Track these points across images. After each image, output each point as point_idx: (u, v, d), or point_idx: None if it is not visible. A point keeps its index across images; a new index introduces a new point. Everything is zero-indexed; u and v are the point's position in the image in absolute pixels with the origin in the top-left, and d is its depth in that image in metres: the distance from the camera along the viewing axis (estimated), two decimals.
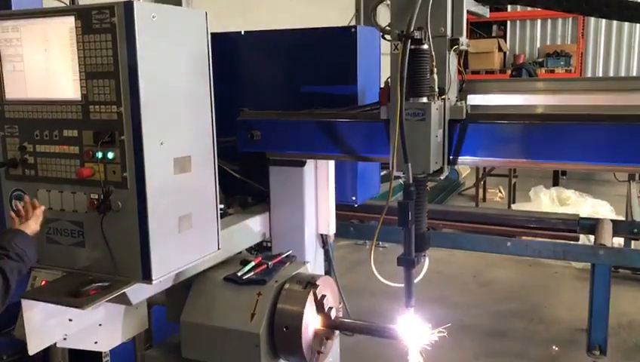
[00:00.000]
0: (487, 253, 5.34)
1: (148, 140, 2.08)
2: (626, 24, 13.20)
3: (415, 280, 2.41)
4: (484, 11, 2.85)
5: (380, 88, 2.51)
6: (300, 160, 2.97)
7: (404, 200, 2.27)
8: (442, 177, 2.54)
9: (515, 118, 2.49)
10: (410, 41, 2.23)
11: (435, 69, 2.36)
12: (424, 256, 2.45)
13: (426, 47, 2.29)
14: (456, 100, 2.57)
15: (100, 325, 2.58)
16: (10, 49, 2.25)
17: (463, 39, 2.50)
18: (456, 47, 2.47)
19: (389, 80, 2.39)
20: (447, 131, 2.48)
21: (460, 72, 2.61)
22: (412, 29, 2.22)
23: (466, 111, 2.50)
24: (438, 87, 2.38)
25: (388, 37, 2.42)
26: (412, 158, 2.25)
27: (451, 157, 2.53)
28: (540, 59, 14.22)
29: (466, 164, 2.58)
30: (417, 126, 2.33)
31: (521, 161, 2.59)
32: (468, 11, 2.59)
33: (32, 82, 2.25)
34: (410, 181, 2.27)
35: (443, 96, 2.43)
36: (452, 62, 2.50)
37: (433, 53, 2.34)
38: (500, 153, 2.53)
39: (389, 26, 2.44)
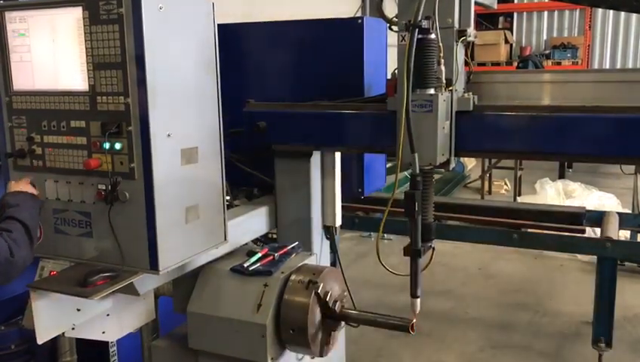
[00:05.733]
0: (493, 245, 5.33)
1: (155, 131, 2.08)
2: (634, 15, 13.11)
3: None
4: (492, 2, 2.84)
5: (387, 80, 2.50)
6: (305, 151, 2.97)
7: (410, 190, 2.27)
8: (450, 169, 2.53)
9: (522, 110, 2.48)
10: (417, 30, 2.22)
11: (443, 60, 2.35)
12: (430, 246, 2.45)
13: (433, 36, 2.27)
14: (464, 92, 2.56)
15: (108, 315, 2.60)
16: (17, 40, 2.25)
17: (471, 30, 2.49)
18: (463, 38, 2.46)
19: (396, 71, 2.38)
20: (454, 123, 2.47)
21: (467, 64, 2.60)
22: (419, 18, 2.20)
23: (473, 103, 2.49)
24: (446, 79, 2.38)
25: (395, 28, 2.42)
26: (418, 150, 2.24)
27: (458, 149, 2.52)
28: (547, 51, 14.15)
29: (473, 155, 2.57)
30: (424, 118, 2.32)
31: (528, 152, 2.58)
32: (475, 2, 2.58)
33: (39, 73, 2.25)
34: (417, 171, 2.26)
35: (450, 88, 2.43)
36: (459, 53, 2.49)
37: (441, 44, 2.33)
38: (508, 145, 2.52)
39: (396, 17, 2.43)
